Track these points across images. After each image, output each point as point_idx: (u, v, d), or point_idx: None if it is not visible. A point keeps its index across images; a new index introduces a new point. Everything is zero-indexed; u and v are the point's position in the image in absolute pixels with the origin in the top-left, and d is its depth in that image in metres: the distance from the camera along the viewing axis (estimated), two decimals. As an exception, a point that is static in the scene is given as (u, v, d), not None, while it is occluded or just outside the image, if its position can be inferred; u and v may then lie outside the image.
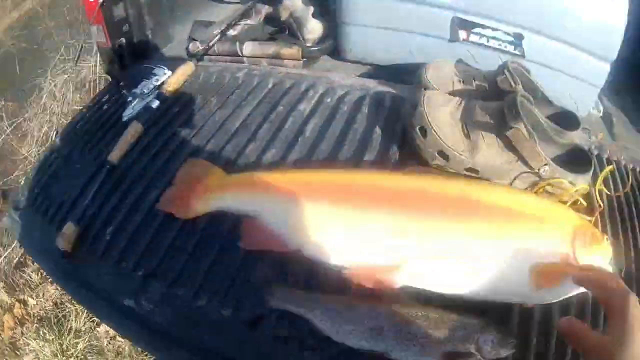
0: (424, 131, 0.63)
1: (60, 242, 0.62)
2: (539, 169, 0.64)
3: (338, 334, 0.51)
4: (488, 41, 0.83)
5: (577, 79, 0.85)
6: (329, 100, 0.71)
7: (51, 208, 0.71)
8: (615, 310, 0.41)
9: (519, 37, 0.83)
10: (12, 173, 1.55)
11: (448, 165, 0.64)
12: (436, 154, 0.64)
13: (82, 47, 0.98)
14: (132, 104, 0.77)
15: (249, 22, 0.87)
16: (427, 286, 0.54)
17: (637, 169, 0.82)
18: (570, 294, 0.55)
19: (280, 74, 0.76)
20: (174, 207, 0.61)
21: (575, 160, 0.68)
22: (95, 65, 1.35)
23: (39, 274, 1.22)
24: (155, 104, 0.72)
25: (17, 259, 1.27)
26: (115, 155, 0.69)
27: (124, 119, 0.76)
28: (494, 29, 0.83)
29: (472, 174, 0.65)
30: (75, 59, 1.18)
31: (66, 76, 1.43)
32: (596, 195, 0.70)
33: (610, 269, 0.57)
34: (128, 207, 0.64)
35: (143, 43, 0.92)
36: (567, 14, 0.79)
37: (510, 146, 0.64)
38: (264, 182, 0.58)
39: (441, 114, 0.65)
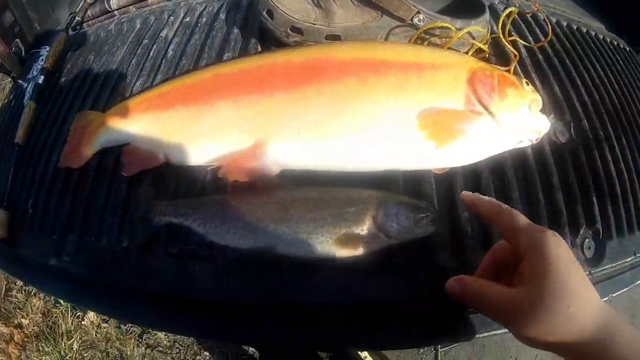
0: (270, 13, 0.59)
1: None
2: (412, 19, 0.57)
3: (218, 236, 0.45)
4: None
5: None
6: (188, 19, 0.69)
7: None
8: (528, 249, 0.32)
9: None
10: None
11: (306, 40, 0.59)
12: (289, 31, 0.58)
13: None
14: (28, 89, 0.76)
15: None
16: (304, 166, 0.48)
17: (564, 23, 0.78)
18: (493, 151, 0.48)
19: (145, 13, 0.74)
20: (69, 160, 0.61)
21: (465, 10, 0.61)
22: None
23: (23, 291, 1.24)
24: (41, 79, 0.72)
25: (4, 287, 1.27)
26: (19, 136, 0.70)
27: (25, 104, 0.76)
28: None
29: (334, 41, 0.58)
30: None
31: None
32: (503, 42, 0.64)
33: (543, 119, 0.50)
34: (39, 177, 0.65)
35: (35, 36, 0.90)
36: None
37: (368, 2, 0.57)
38: (127, 108, 0.57)
39: None
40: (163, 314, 0.51)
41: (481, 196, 0.41)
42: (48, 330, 1.16)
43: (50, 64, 0.73)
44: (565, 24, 0.78)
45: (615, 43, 0.86)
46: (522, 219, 0.35)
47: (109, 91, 0.65)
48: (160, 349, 1.07)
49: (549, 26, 0.71)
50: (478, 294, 0.35)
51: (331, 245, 0.43)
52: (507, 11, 0.67)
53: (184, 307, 0.50)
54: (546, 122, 0.52)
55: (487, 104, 0.47)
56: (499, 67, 0.56)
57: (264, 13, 0.59)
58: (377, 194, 0.44)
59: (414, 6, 0.56)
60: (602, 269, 0.54)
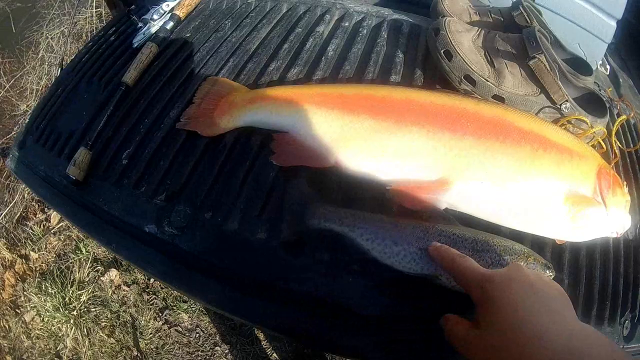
0: (449, 55, 0.55)
1: (73, 171, 0.51)
2: (560, 105, 0.58)
3: (385, 255, 0.41)
4: (500, -20, 0.74)
5: (587, 31, 0.77)
6: (346, 24, 0.62)
7: (59, 140, 0.59)
8: (476, 300, 0.33)
9: (530, -20, 0.75)
10: (12, 130, 1.37)
11: (475, 91, 0.56)
12: (463, 79, 0.56)
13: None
14: (142, 30, 0.64)
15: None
16: (465, 209, 0.46)
17: None
18: (597, 236, 0.50)
19: (294, 0, 0.65)
20: (197, 124, 0.51)
21: (590, 106, 0.61)
22: (92, 16, 1.17)
23: (41, 226, 1.07)
24: (170, 25, 0.61)
25: (19, 214, 1.11)
26: (130, 76, 0.58)
27: (135, 45, 0.64)
28: (506, -32, 0.74)
29: (499, 102, 0.57)
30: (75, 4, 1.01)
31: (63, 29, 1.25)
32: (612, 144, 0.65)
33: (629, 218, 0.51)
34: (146, 128, 0.54)
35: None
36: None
37: (533, 77, 0.57)
38: (294, 94, 0.48)
39: (464, 39, 0.57)
40: (291, 316, 0.42)
41: (444, 248, 0.40)
42: (58, 272, 0.98)
43: (183, 13, 0.62)
44: None
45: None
46: (473, 268, 0.35)
47: (253, 66, 0.56)
48: (179, 329, 0.92)
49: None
50: (448, 331, 0.35)
51: None
52: (621, 118, 0.69)
53: (326, 315, 0.41)
54: (630, 221, 0.54)
55: (604, 197, 0.49)
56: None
57: (442, 52, 0.55)
58: (524, 249, 0.45)
59: (566, 94, 0.57)
60: (632, 345, 0.55)
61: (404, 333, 0.41)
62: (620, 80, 0.84)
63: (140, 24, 0.65)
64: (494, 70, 0.56)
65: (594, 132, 0.60)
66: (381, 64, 0.57)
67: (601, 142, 0.61)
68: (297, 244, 0.43)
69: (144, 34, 0.64)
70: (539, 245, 0.49)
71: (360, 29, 0.61)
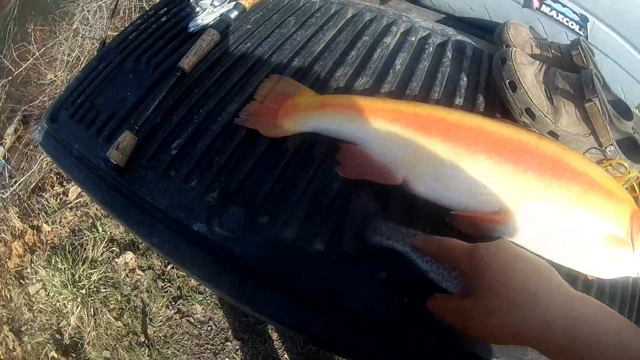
0: (514, 86, 0.54)
1: (114, 155, 0.47)
2: (605, 147, 0.58)
3: (443, 277, 0.39)
4: (557, 15, 0.72)
5: (629, 74, 0.75)
6: (412, 38, 0.58)
7: (98, 119, 0.55)
8: (467, 272, 0.33)
9: (584, 19, 0.73)
10: (37, 97, 1.30)
11: (533, 125, 0.55)
12: (524, 111, 0.54)
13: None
14: (201, 15, 0.60)
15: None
16: (517, 241, 0.45)
17: None
18: (622, 275, 0.49)
19: (360, 5, 0.62)
20: (259, 123, 0.47)
21: (629, 149, 0.61)
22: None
23: (58, 199, 1.01)
24: (234, 14, 0.57)
25: (34, 183, 1.05)
26: (187, 62, 0.54)
27: (191, 29, 0.60)
28: (563, 5, 0.72)
29: (553, 138, 0.56)
30: None
31: (100, 2, 1.19)
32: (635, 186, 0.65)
33: None
34: (200, 120, 0.50)
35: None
36: (631, 11, 0.69)
37: (586, 118, 0.56)
38: (368, 106, 0.45)
39: (527, 72, 0.56)
40: (344, 332, 0.38)
41: (426, 236, 0.39)
42: (70, 248, 0.92)
43: (249, 4, 0.58)
44: None
45: None
46: (458, 245, 0.35)
47: (320, 70, 0.52)
48: (191, 320, 0.87)
49: None
50: (439, 307, 0.34)
51: None
52: None
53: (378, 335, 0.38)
54: None
55: (634, 239, 0.49)
56: None
57: (507, 83, 0.54)
58: None
59: (612, 138, 0.57)
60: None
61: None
62: None
63: (198, 9, 0.61)
64: (552, 106, 0.56)
65: (630, 176, 0.59)
66: (445, 85, 0.54)
67: (635, 186, 0.61)
68: (356, 259, 0.39)
69: (202, 20, 0.60)
70: (572, 278, 0.48)
71: (426, 46, 0.58)
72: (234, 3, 0.59)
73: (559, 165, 0.47)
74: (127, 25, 0.78)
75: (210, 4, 0.61)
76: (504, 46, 0.61)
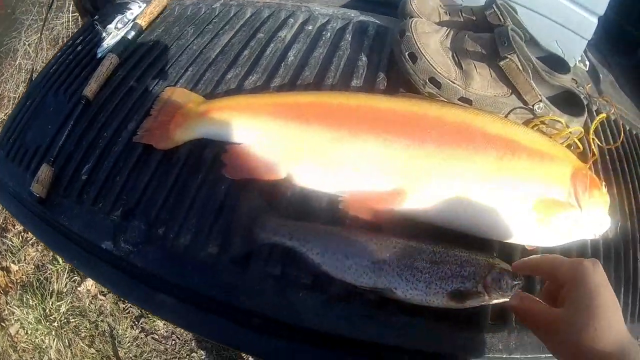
0: (413, 57, 0.54)
1: (36, 187, 0.52)
2: (533, 105, 0.57)
3: (337, 269, 0.41)
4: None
5: (565, 28, 0.75)
6: (310, 27, 0.61)
7: (26, 154, 0.59)
8: (567, 278, 0.35)
9: (506, -23, 0.73)
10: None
11: (440, 94, 0.55)
12: (427, 81, 0.54)
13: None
14: (107, 40, 0.64)
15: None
16: (426, 219, 0.45)
17: (627, 127, 0.77)
18: (572, 239, 0.49)
19: (259, 3, 0.65)
20: (153, 137, 0.51)
21: (567, 104, 0.61)
22: (68, 21, 1.17)
23: (20, 237, 1.08)
24: (131, 35, 0.61)
25: None
26: (90, 89, 0.58)
27: (99, 55, 0.64)
28: (480, -35, 0.73)
29: (466, 104, 0.56)
30: (49, 6, 1.02)
31: (40, 34, 1.25)
32: (590, 142, 0.64)
33: (608, 219, 0.50)
34: (105, 142, 0.54)
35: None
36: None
37: (503, 78, 0.55)
38: (248, 105, 0.48)
39: (431, 41, 0.56)
40: (248, 334, 0.42)
41: (526, 261, 0.42)
42: (37, 284, 1.00)
43: (145, 22, 0.62)
44: (628, 128, 0.79)
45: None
46: (561, 258, 0.38)
47: (212, 75, 0.56)
48: (156, 336, 0.93)
49: (622, 131, 0.71)
50: (527, 308, 0.37)
51: (444, 296, 0.42)
52: (600, 116, 0.67)
53: (272, 331, 0.41)
54: (610, 222, 0.52)
55: (579, 200, 0.49)
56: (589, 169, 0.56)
57: (406, 55, 0.54)
58: (489, 259, 0.44)
59: (539, 94, 0.55)
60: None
61: (352, 349, 0.41)
62: (601, 76, 0.83)
63: (104, 34, 0.66)
64: (461, 71, 0.55)
65: (570, 131, 0.58)
66: (343, 68, 0.56)
67: (577, 141, 0.60)
68: (248, 258, 0.42)
69: (107, 44, 0.64)
70: (506, 251, 0.49)
71: (324, 32, 0.60)
72: (132, 23, 0.63)
73: (466, 132, 0.47)
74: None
75: (115, 28, 0.65)
76: (408, 19, 0.62)
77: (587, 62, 0.85)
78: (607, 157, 0.70)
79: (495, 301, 0.44)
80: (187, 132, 0.49)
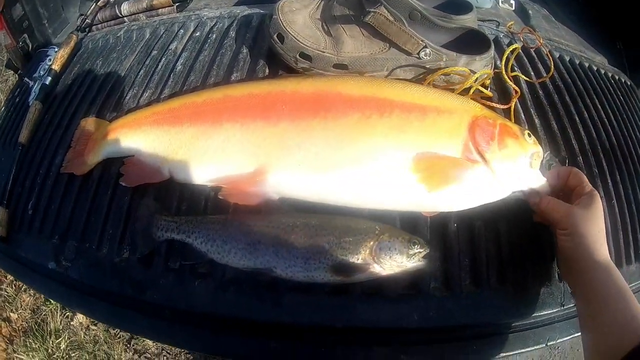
0: (281, 37, 0.61)
1: None
2: (419, 53, 0.59)
3: (219, 255, 0.48)
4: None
5: None
6: (198, 34, 0.73)
7: None
8: (585, 192, 0.51)
9: None
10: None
11: (314, 67, 0.61)
12: (298, 57, 0.61)
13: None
14: (34, 88, 0.79)
15: (126, -16, 0.87)
16: (302, 196, 0.50)
17: (567, 58, 0.81)
18: (481, 200, 0.50)
19: (155, 23, 0.77)
20: (73, 166, 0.64)
21: (474, 45, 0.64)
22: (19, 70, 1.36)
23: (13, 286, 1.26)
24: (48, 80, 0.75)
25: None
26: (23, 136, 0.73)
27: (30, 103, 0.79)
28: None
29: (342, 71, 0.61)
30: None
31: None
32: (505, 78, 0.66)
33: (529, 164, 0.51)
34: (41, 179, 0.68)
35: (42, 33, 0.94)
36: None
37: (376, 34, 0.59)
38: (134, 120, 0.60)
39: (298, 18, 0.63)
40: (158, 324, 0.54)
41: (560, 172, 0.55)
42: (36, 327, 1.18)
43: (58, 66, 0.76)
44: (568, 58, 0.82)
45: (617, 77, 0.90)
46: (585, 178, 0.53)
47: (116, 99, 0.69)
48: (148, 355, 1.11)
49: (552, 61, 0.75)
50: (551, 203, 0.50)
51: (326, 271, 0.46)
52: (511, 48, 0.70)
53: (179, 320, 0.53)
54: (542, 180, 0.53)
55: (484, 153, 0.49)
56: (501, 117, 0.57)
57: (275, 37, 0.62)
58: (375, 226, 0.47)
59: (422, 40, 0.59)
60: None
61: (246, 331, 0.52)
62: (530, 12, 0.87)
63: (31, 83, 0.81)
64: (331, 39, 0.61)
65: (478, 76, 0.60)
66: (227, 64, 0.67)
67: (480, 88, 0.62)
68: (150, 257, 0.54)
69: (34, 92, 0.79)
70: (409, 221, 0.53)
71: (210, 35, 0.72)
72: (48, 70, 0.77)
73: (324, 100, 0.51)
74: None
75: (38, 76, 0.80)
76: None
77: (512, 1, 0.90)
78: (541, 91, 0.74)
79: (392, 272, 0.47)
80: (96, 155, 0.62)
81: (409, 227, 0.54)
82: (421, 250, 0.47)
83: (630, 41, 0.93)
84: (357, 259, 0.46)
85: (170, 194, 0.57)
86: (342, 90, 0.53)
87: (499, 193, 0.51)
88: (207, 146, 0.53)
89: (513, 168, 0.51)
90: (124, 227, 0.57)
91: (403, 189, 0.49)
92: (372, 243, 0.46)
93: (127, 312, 0.55)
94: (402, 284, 0.52)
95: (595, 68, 0.85)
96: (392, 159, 0.48)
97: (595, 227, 0.48)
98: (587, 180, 0.53)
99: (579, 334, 0.55)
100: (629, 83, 0.92)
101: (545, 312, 0.56)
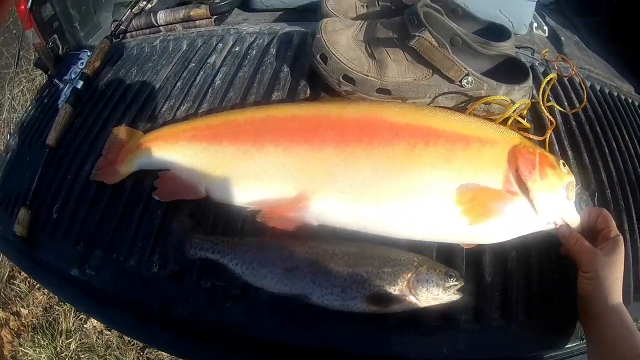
0: (324, 58, 0.62)
1: (17, 228, 0.68)
2: (460, 81, 0.60)
3: (255, 278, 0.50)
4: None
5: None
6: (237, 49, 0.75)
7: (11, 202, 0.77)
8: (611, 237, 0.53)
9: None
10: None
11: (357, 90, 0.62)
12: (341, 79, 0.62)
13: (19, 52, 1.02)
14: (64, 90, 0.82)
15: (163, -8, 0.90)
16: (343, 224, 0.51)
17: (597, 87, 0.83)
18: (522, 232, 0.51)
19: (192, 34, 0.80)
20: (103, 174, 0.65)
21: (512, 73, 0.65)
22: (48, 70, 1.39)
23: (27, 283, 1.28)
24: (80, 84, 0.77)
25: (7, 273, 1.32)
26: (51, 138, 0.74)
27: (59, 105, 0.81)
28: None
29: (385, 95, 0.62)
30: (15, 62, 1.23)
31: (22, 87, 1.48)
32: (542, 109, 0.67)
33: (566, 195, 0.52)
34: (69, 184, 0.70)
35: (74, 36, 0.96)
36: None
37: (420, 59, 0.60)
38: (171, 134, 0.62)
39: (342, 38, 0.64)
40: (183, 341, 0.55)
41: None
42: (47, 325, 1.19)
43: (91, 70, 0.78)
44: (598, 87, 0.84)
45: (644, 105, 0.92)
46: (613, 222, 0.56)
47: (150, 110, 0.70)
48: None
49: (585, 92, 0.77)
50: (579, 242, 0.52)
51: (363, 301, 0.48)
52: (548, 77, 0.72)
53: (206, 339, 0.54)
54: (576, 214, 0.53)
55: (527, 181, 0.50)
56: (539, 140, 0.60)
57: (318, 57, 0.63)
58: (414, 258, 0.49)
59: (464, 68, 0.60)
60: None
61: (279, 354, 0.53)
62: (562, 38, 0.89)
63: (61, 85, 0.83)
64: (375, 62, 0.62)
65: (517, 107, 0.62)
66: (268, 82, 0.69)
67: (518, 118, 0.63)
68: (181, 274, 0.56)
69: (65, 94, 0.81)
70: (445, 252, 0.55)
71: (250, 51, 0.74)
72: (80, 73, 0.79)
73: (369, 127, 0.52)
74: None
75: (69, 79, 0.82)
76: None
77: (546, 27, 0.92)
78: (574, 122, 0.76)
79: (427, 304, 0.48)
80: (129, 165, 0.64)
81: (445, 257, 0.56)
82: (457, 283, 0.49)
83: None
84: (394, 290, 0.47)
85: (206, 213, 0.58)
86: (387, 117, 0.54)
87: (538, 225, 0.52)
88: (248, 167, 0.55)
89: (553, 198, 0.52)
90: (155, 241, 0.59)
91: (446, 221, 0.50)
92: (410, 275, 0.48)
93: (150, 326, 0.56)
94: (434, 316, 0.53)
95: (623, 97, 0.87)
96: (437, 190, 0.50)
97: (615, 274, 0.51)
98: (614, 224, 0.54)
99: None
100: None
101: (568, 346, 0.57)
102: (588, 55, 0.92)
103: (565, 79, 0.81)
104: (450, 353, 0.53)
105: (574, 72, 0.81)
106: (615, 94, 0.87)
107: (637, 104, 0.91)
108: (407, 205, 0.50)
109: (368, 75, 0.62)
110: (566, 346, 0.57)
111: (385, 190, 0.50)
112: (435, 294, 0.48)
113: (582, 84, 0.79)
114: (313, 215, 0.52)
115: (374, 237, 0.52)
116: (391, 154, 0.51)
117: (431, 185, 0.50)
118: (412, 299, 0.48)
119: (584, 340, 0.57)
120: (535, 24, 0.91)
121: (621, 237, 0.53)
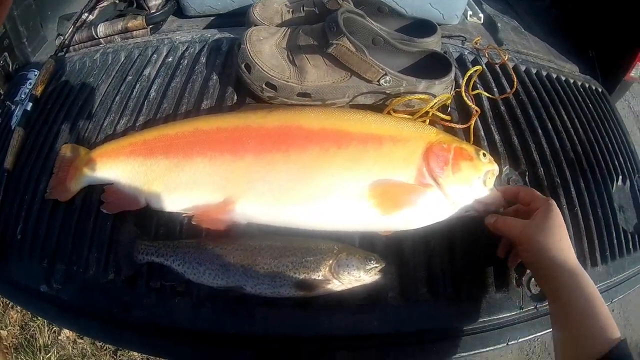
0: (248, 67, 0.70)
1: None
2: (378, 81, 0.67)
3: (195, 275, 0.58)
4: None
5: None
6: (170, 59, 0.82)
7: None
8: (539, 205, 0.56)
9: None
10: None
11: (279, 95, 0.70)
12: (264, 86, 0.70)
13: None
14: (16, 112, 0.89)
15: (102, 4, 0.96)
16: (268, 222, 0.59)
17: (533, 70, 0.89)
18: (434, 220, 0.58)
19: (130, 46, 0.86)
20: (56, 193, 0.73)
21: (437, 67, 0.71)
22: None
23: (1, 303, 1.36)
24: (29, 106, 0.84)
25: None
26: (8, 162, 0.82)
27: (13, 127, 0.88)
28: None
29: (305, 99, 0.70)
30: None
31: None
32: (466, 100, 0.75)
33: (482, 184, 0.59)
34: (27, 204, 0.78)
35: (22, 52, 1.02)
36: None
37: (338, 63, 0.67)
38: (112, 150, 0.69)
39: (265, 47, 0.71)
40: (144, 339, 0.65)
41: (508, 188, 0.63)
42: (26, 343, 1.29)
43: (39, 91, 0.85)
44: (534, 71, 0.91)
45: (587, 85, 0.98)
46: (536, 192, 0.60)
47: (93, 126, 0.78)
48: None
49: (515, 78, 0.83)
50: (506, 223, 0.57)
51: (291, 287, 0.57)
52: (472, 69, 0.79)
53: (162, 334, 0.64)
54: (497, 196, 0.61)
55: (437, 178, 0.56)
56: (457, 139, 0.65)
57: (242, 67, 0.71)
58: (334, 246, 0.57)
59: (381, 69, 0.67)
60: (544, 305, 0.67)
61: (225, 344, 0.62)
62: (499, 24, 0.95)
63: (13, 106, 0.90)
64: (295, 68, 0.70)
65: (435, 101, 0.69)
66: (198, 91, 0.76)
67: (436, 112, 0.71)
68: (133, 278, 0.65)
69: (17, 116, 0.88)
70: (368, 240, 0.63)
71: (182, 60, 0.81)
72: (29, 95, 0.86)
73: (286, 135, 0.59)
74: None
75: (19, 100, 0.90)
76: (250, 27, 0.77)
77: (482, 15, 0.97)
78: (503, 107, 0.82)
79: (351, 286, 0.57)
80: (78, 182, 0.72)
81: (368, 245, 0.64)
82: (377, 265, 0.56)
83: (603, 48, 1.01)
84: (318, 276, 0.55)
85: (149, 220, 0.67)
86: (304, 124, 0.61)
87: (452, 213, 0.60)
88: (179, 178, 0.63)
89: (466, 189, 0.59)
90: (108, 251, 0.67)
91: (360, 214, 0.58)
92: (331, 261, 0.56)
93: (115, 329, 0.66)
94: (361, 295, 0.62)
95: (563, 78, 0.93)
96: (349, 188, 0.57)
97: (553, 237, 0.54)
98: (539, 194, 0.59)
99: (540, 332, 0.66)
100: (600, 90, 1.00)
101: (504, 315, 0.66)
102: (526, 39, 0.97)
103: (497, 66, 0.87)
104: (381, 324, 0.62)
105: (504, 60, 0.87)
106: (554, 76, 0.93)
107: (579, 83, 0.97)
108: (321, 205, 0.58)
109: (289, 81, 0.69)
110: (502, 315, 0.65)
111: (300, 193, 0.58)
112: (357, 276, 0.56)
113: (512, 70, 0.84)
114: (240, 217, 0.60)
115: (297, 231, 0.61)
116: (306, 159, 0.58)
117: (343, 185, 0.57)
118: (335, 282, 0.56)
119: (523, 309, 0.66)
120: (470, 12, 0.96)
121: (551, 201, 0.57)
